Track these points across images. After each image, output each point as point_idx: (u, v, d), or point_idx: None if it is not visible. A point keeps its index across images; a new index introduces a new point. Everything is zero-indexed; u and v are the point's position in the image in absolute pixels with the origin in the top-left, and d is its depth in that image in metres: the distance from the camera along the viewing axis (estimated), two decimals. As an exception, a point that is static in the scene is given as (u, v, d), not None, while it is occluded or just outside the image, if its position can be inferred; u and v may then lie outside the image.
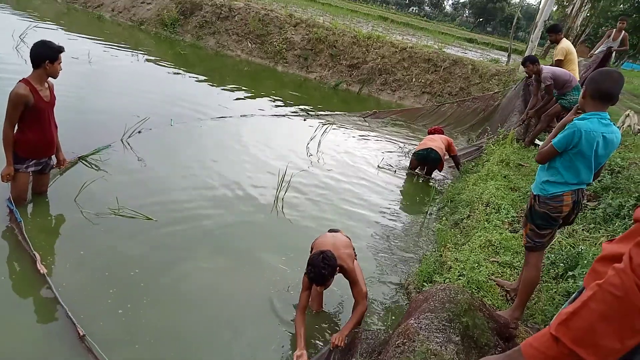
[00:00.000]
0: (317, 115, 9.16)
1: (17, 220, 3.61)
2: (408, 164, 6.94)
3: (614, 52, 9.54)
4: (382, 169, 6.78)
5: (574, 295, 1.50)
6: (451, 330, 2.33)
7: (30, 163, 3.85)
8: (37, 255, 3.28)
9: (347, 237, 3.57)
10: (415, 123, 10.11)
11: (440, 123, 10.22)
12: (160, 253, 3.77)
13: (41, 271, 3.15)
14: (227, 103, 8.62)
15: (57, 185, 4.40)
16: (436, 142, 6.65)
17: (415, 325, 2.34)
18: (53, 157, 4.12)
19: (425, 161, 6.68)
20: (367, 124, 9.28)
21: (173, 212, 4.39)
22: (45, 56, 3.61)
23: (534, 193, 2.89)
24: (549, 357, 1.14)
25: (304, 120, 8.63)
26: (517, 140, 7.27)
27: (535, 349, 1.17)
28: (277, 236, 4.45)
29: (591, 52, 10.05)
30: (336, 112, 9.70)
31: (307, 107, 9.66)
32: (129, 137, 5.78)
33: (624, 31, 9.28)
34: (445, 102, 11.01)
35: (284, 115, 8.60)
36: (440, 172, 6.91)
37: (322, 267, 2.92)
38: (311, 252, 3.47)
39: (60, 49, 3.70)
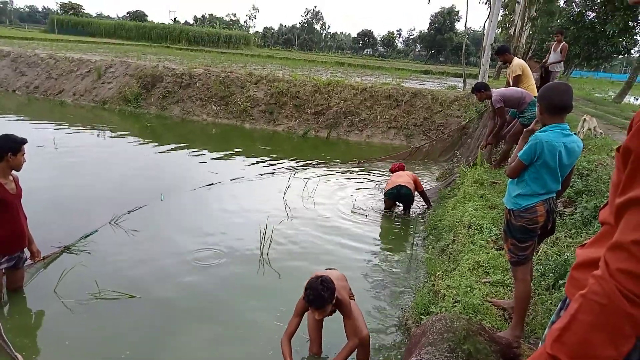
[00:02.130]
0: (305, 167, 9.18)
1: (-7, 321, 3.45)
2: (383, 204, 6.90)
3: (550, 67, 10.08)
4: (356, 212, 6.72)
5: (559, 306, 1.49)
6: (454, 361, 2.29)
7: (3, 260, 3.72)
8: (19, 357, 3.12)
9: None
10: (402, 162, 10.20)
11: (419, 158, 10.41)
12: (149, 330, 3.64)
13: (24, 372, 2.98)
14: (207, 168, 8.66)
15: (34, 278, 4.25)
16: (403, 177, 6.69)
17: (418, 361, 2.29)
18: (26, 250, 4.00)
19: (397, 199, 6.69)
20: (356, 169, 9.41)
21: (157, 286, 4.27)
22: (7, 149, 3.59)
23: (508, 207, 2.95)
24: None
25: (294, 176, 8.41)
26: (489, 161, 7.43)
27: None
28: (266, 293, 4.35)
29: (543, 63, 10.57)
30: (321, 162, 9.79)
31: (286, 160, 9.75)
32: (116, 220, 5.63)
33: (563, 42, 9.91)
34: (425, 144, 11.24)
35: (272, 174, 8.57)
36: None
37: (321, 289, 2.82)
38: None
39: (23, 141, 3.68)
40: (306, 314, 3.31)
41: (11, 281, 3.92)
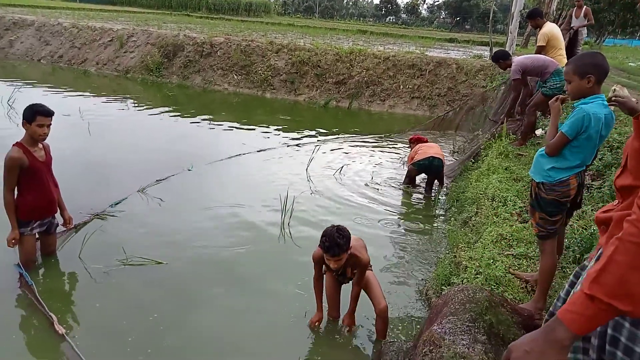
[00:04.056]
0: (329, 139, 9.11)
1: (28, 284, 3.61)
2: (406, 176, 6.61)
3: (580, 30, 9.56)
4: (373, 185, 6.59)
5: (576, 269, 1.53)
6: (476, 330, 2.30)
7: (34, 225, 3.85)
8: (53, 316, 3.27)
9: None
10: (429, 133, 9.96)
11: (443, 129, 10.16)
12: (175, 295, 3.75)
13: (59, 332, 3.13)
14: (232, 138, 8.74)
15: (66, 243, 4.41)
16: (435, 149, 6.36)
17: (439, 330, 2.32)
18: (58, 216, 4.13)
19: (427, 170, 6.38)
20: (379, 141, 9.26)
21: (183, 253, 4.38)
22: (23, 116, 3.64)
23: (537, 181, 2.88)
24: (588, 317, 1.16)
25: (317, 148, 8.31)
26: (514, 132, 7.23)
27: (572, 313, 1.19)
28: (288, 263, 4.42)
29: (562, 27, 10.04)
30: (347, 135, 9.68)
31: (308, 131, 9.71)
32: (144, 188, 5.75)
33: (584, 7, 9.35)
34: (449, 111, 10.91)
35: (297, 145, 8.56)
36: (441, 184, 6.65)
37: (337, 237, 2.84)
38: None
39: (38, 110, 3.62)
40: (325, 281, 3.36)
41: (45, 245, 4.08)
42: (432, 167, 6.27)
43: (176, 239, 4.66)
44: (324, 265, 3.18)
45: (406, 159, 7.16)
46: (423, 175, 6.66)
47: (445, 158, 6.64)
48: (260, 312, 3.63)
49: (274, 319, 3.54)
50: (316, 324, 3.30)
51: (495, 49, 13.14)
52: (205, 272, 4.13)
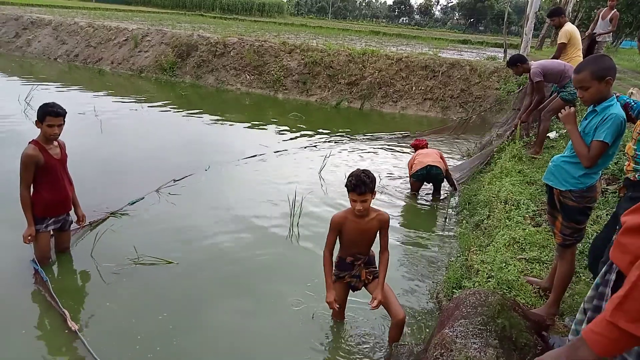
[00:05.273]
0: (343, 140, 9.12)
1: (43, 280, 3.66)
2: (410, 186, 6.48)
3: (599, 37, 9.40)
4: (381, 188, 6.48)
5: (604, 269, 1.48)
6: (488, 334, 2.28)
7: (49, 222, 3.91)
8: (66, 312, 3.31)
9: None
10: (445, 136, 9.91)
11: (460, 132, 10.09)
12: (185, 296, 3.77)
13: (72, 328, 3.17)
14: (247, 138, 8.80)
15: (80, 241, 4.46)
16: (432, 156, 6.27)
17: (451, 334, 2.30)
18: (72, 213, 4.18)
19: (427, 180, 6.31)
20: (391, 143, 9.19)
21: (194, 254, 4.41)
22: (37, 116, 3.72)
23: (564, 189, 2.78)
24: (612, 340, 1.14)
25: (331, 148, 8.37)
26: (527, 135, 7.15)
27: (597, 334, 1.17)
28: (297, 265, 4.41)
29: (588, 33, 9.86)
30: (364, 135, 9.67)
31: (321, 132, 9.70)
32: (160, 188, 5.79)
33: (614, 10, 9.16)
34: (472, 115, 10.81)
35: (315, 146, 8.56)
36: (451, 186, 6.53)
37: (363, 176, 2.90)
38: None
39: (49, 111, 3.67)
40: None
41: (59, 242, 4.14)
42: (430, 176, 6.21)
43: (188, 239, 4.69)
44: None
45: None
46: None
47: (448, 163, 6.51)
48: (269, 314, 3.64)
49: (282, 321, 3.54)
50: (335, 304, 3.13)
51: (509, 51, 13.06)
52: (215, 272, 4.15)
